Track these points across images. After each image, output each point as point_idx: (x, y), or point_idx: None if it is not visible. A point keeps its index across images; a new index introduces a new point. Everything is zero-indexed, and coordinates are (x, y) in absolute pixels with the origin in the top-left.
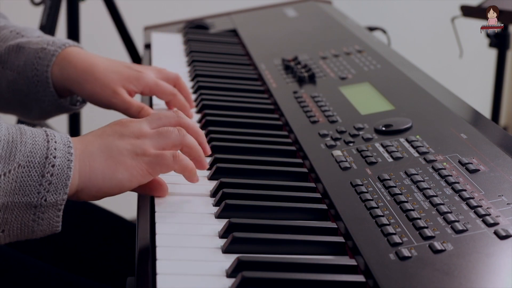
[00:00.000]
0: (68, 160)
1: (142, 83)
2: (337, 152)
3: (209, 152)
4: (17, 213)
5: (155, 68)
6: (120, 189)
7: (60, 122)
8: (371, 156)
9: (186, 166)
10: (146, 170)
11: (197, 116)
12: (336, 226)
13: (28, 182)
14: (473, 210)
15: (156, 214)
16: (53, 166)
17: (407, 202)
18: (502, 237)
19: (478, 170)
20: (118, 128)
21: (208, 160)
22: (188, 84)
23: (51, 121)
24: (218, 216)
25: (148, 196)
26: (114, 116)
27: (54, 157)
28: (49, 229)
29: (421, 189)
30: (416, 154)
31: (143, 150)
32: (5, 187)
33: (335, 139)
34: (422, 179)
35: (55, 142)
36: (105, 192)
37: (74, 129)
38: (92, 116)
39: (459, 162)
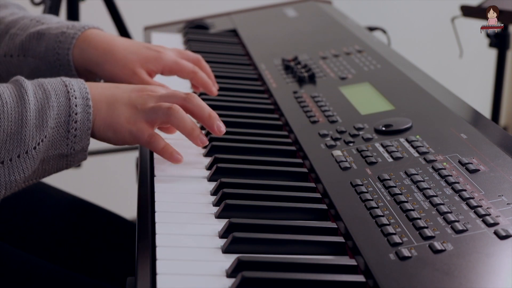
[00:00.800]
0: (87, 113)
1: (162, 62)
2: (337, 152)
3: (219, 132)
4: (53, 163)
5: (175, 49)
6: (109, 143)
7: None
8: (371, 156)
9: (184, 121)
10: (128, 139)
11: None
12: (336, 226)
13: (57, 139)
14: (473, 210)
15: (156, 214)
16: (75, 122)
17: (407, 202)
18: (502, 237)
19: (478, 170)
20: (133, 96)
21: (208, 160)
22: (188, 84)
23: None
24: (218, 216)
25: (148, 196)
26: None
27: (76, 114)
28: (78, 163)
29: (421, 189)
30: (416, 154)
31: (135, 121)
32: (42, 149)
33: (335, 139)
34: (422, 179)
35: (75, 98)
36: (111, 138)
37: None
38: None
39: (459, 162)
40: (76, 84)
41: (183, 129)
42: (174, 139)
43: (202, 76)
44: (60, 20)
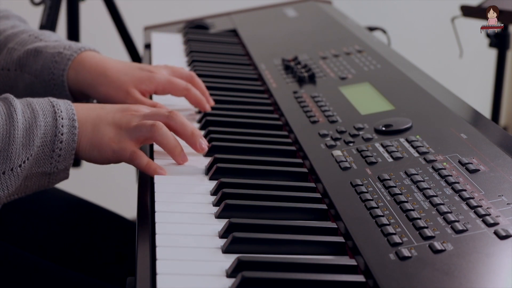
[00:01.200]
0: (73, 134)
1: (154, 82)
2: (337, 152)
3: (201, 150)
4: (35, 180)
5: (169, 67)
6: (93, 162)
7: None
8: (371, 156)
9: (167, 138)
10: (112, 157)
11: (197, 116)
12: (336, 226)
13: (42, 157)
14: (473, 210)
15: (156, 214)
16: (61, 142)
17: (407, 202)
18: (502, 237)
19: (478, 170)
20: (117, 116)
21: (208, 160)
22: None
23: None
24: (218, 216)
25: (148, 195)
26: None
27: (62, 134)
28: (60, 181)
29: (421, 189)
30: (416, 154)
31: (119, 140)
32: (27, 166)
33: (335, 139)
34: (422, 179)
35: (62, 118)
36: (96, 158)
37: None
38: None
39: (459, 162)
40: (63, 105)
41: (166, 146)
42: None
43: (196, 93)
44: (58, 38)
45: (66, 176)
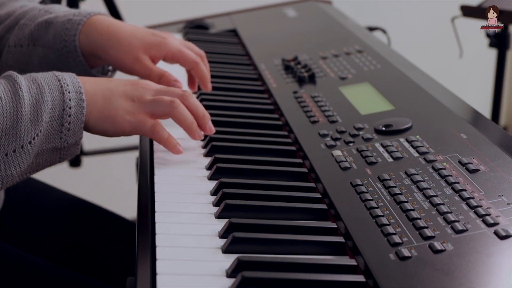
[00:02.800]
0: (81, 106)
1: (165, 48)
2: (337, 152)
3: (210, 131)
4: (46, 157)
5: (181, 39)
6: (104, 135)
7: None
8: (371, 156)
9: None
10: (128, 129)
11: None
12: (336, 226)
13: (51, 132)
14: (473, 210)
15: (156, 214)
16: (69, 116)
17: (407, 202)
18: (502, 237)
19: (478, 170)
20: (128, 89)
21: (208, 160)
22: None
23: None
24: (218, 216)
25: (148, 196)
26: None
27: (70, 108)
28: (71, 156)
29: (421, 189)
30: (416, 154)
31: (132, 112)
32: (37, 143)
33: (335, 139)
34: (422, 179)
35: (69, 92)
36: (108, 130)
37: None
38: None
39: (459, 162)
40: (69, 78)
41: (184, 122)
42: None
43: (203, 69)
44: (67, 9)
45: (76, 151)
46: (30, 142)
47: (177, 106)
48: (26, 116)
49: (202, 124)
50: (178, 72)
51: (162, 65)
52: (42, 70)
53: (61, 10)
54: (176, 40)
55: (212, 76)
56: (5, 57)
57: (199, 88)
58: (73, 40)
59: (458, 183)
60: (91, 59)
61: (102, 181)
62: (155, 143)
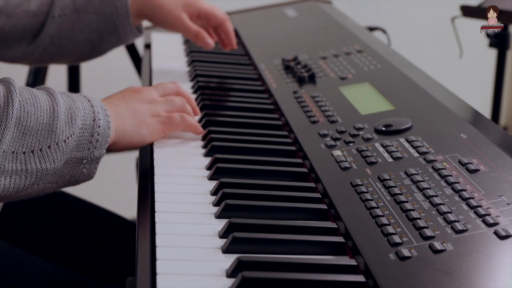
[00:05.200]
0: (107, 121)
1: (198, 6)
2: (337, 152)
3: (199, 113)
4: (71, 167)
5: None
6: (142, 143)
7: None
8: (371, 156)
9: (191, 124)
10: (161, 128)
11: (197, 117)
12: (336, 226)
13: (82, 141)
14: (473, 210)
15: (156, 214)
16: (99, 127)
17: (407, 202)
18: (502, 237)
19: (478, 170)
20: (135, 95)
21: (208, 160)
22: (187, 84)
23: None
24: (218, 216)
25: (148, 196)
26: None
27: (99, 119)
28: (88, 178)
29: (421, 189)
30: (416, 154)
31: (157, 113)
32: (70, 145)
33: (335, 139)
34: (422, 179)
35: (96, 106)
36: (132, 145)
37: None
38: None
39: (459, 162)
40: (92, 97)
41: (193, 130)
42: (174, 144)
43: (229, 26)
44: None
45: (93, 170)
46: (64, 141)
47: (185, 121)
48: (62, 116)
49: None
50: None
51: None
52: (84, 35)
53: None
54: (206, 2)
55: (212, 76)
56: (48, 28)
57: (199, 88)
58: (125, 4)
59: (458, 183)
60: (135, 20)
61: (102, 181)
62: (154, 143)
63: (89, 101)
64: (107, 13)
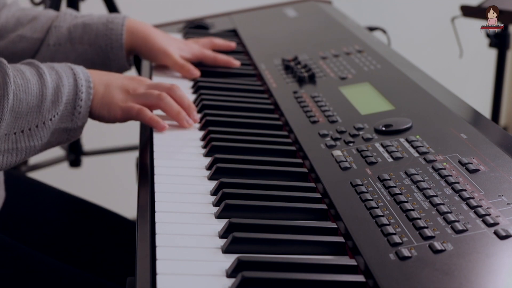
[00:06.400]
0: (89, 93)
1: (191, 51)
2: (337, 152)
3: (195, 121)
4: (57, 136)
5: (200, 41)
6: (101, 120)
7: None
8: (371, 156)
9: (171, 106)
10: (119, 115)
11: (197, 116)
12: (336, 226)
13: (66, 114)
14: (473, 210)
15: (156, 214)
16: (81, 100)
17: (407, 202)
18: (502, 237)
19: (478, 170)
20: (125, 82)
21: (208, 160)
22: (187, 84)
23: None
24: (218, 216)
25: (148, 196)
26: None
27: (82, 93)
28: (75, 139)
29: (421, 189)
30: (416, 154)
31: (126, 101)
32: (55, 121)
33: (335, 139)
34: (422, 179)
35: (81, 79)
36: (104, 116)
37: None
38: None
39: (459, 162)
40: (80, 69)
41: (170, 112)
42: (175, 144)
43: (218, 41)
44: (90, 14)
45: (79, 134)
46: (51, 119)
47: (164, 98)
48: (49, 97)
49: (188, 113)
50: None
51: None
52: (79, 64)
53: (92, 15)
54: (195, 45)
55: (212, 76)
56: (43, 54)
57: (198, 88)
58: (120, 38)
59: (458, 183)
60: (127, 54)
61: (102, 181)
62: (154, 143)
63: (74, 74)
64: (101, 45)
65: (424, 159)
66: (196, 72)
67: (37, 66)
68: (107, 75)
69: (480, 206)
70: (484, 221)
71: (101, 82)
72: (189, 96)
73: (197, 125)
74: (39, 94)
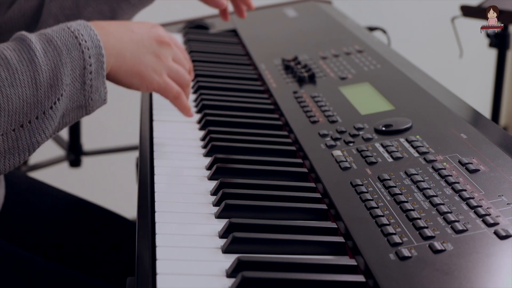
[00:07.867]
0: (101, 61)
1: None
2: (337, 152)
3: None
4: (73, 115)
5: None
6: (129, 87)
7: None
8: (371, 156)
9: (185, 106)
10: (155, 85)
11: (197, 116)
12: (336, 226)
13: (74, 92)
14: (473, 210)
15: (156, 214)
16: (90, 72)
17: (407, 202)
18: (502, 237)
19: (478, 170)
20: (154, 45)
21: (208, 160)
22: None
23: None
24: (218, 216)
25: (148, 196)
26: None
27: (90, 65)
28: (99, 107)
29: (421, 189)
30: (416, 154)
31: (161, 73)
32: (60, 106)
33: (335, 139)
34: (422, 179)
35: (88, 49)
36: (122, 82)
37: None
38: None
39: (459, 162)
40: (86, 33)
41: (184, 103)
42: (175, 144)
43: None
44: None
45: (104, 102)
46: (51, 107)
47: (180, 98)
48: (45, 82)
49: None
50: None
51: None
52: (91, 10)
53: None
54: None
55: (212, 76)
56: (48, 7)
57: (199, 88)
58: None
59: (458, 183)
60: None
61: (102, 181)
62: (155, 142)
63: (79, 44)
64: None
65: (424, 159)
66: None
67: (28, 46)
68: (129, 34)
69: (480, 206)
70: (484, 221)
71: (124, 46)
72: (189, 96)
73: (197, 126)
74: (32, 83)
